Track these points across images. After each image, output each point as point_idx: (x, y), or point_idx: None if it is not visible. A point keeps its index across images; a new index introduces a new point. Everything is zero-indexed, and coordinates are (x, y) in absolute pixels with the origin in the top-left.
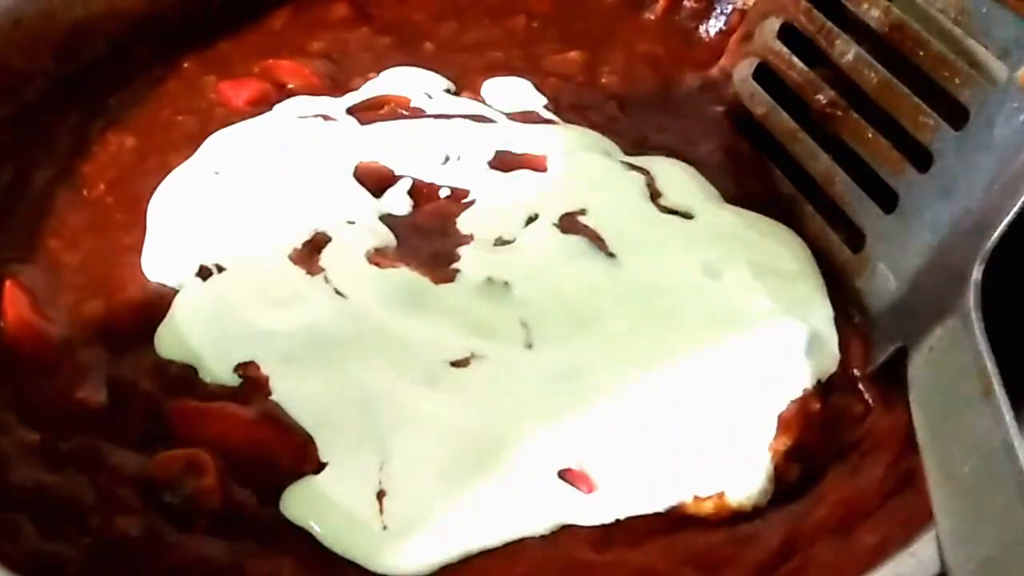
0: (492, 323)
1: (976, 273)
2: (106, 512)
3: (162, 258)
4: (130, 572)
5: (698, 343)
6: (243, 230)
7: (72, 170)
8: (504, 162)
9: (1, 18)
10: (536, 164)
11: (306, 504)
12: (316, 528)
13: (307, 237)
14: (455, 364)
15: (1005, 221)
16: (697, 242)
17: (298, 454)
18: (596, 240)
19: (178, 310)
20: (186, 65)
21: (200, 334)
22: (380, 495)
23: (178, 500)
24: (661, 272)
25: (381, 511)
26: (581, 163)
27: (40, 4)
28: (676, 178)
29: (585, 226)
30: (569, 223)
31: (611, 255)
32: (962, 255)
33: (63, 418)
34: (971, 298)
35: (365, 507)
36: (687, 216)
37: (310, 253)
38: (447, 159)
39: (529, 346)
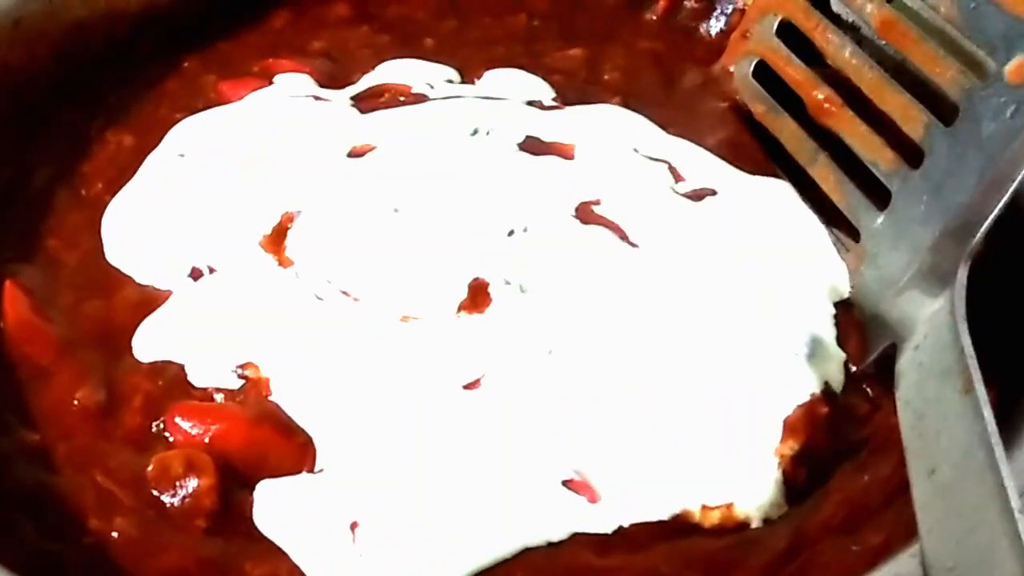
0: (513, 333)
1: (962, 271)
2: (106, 512)
3: (145, 260)
4: (130, 572)
5: (710, 344)
6: (217, 220)
7: (71, 169)
8: (533, 146)
9: (1, 18)
10: (564, 151)
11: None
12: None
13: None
14: (466, 387)
15: (990, 219)
16: (716, 229)
17: (298, 455)
18: (616, 230)
19: (169, 313)
20: (186, 64)
21: (193, 338)
22: (353, 526)
23: (177, 500)
24: (680, 264)
25: (353, 540)
26: (606, 153)
27: (40, 4)
28: (696, 157)
29: (602, 216)
30: (586, 213)
31: (634, 245)
32: (950, 252)
33: (63, 418)
34: (956, 295)
35: (340, 529)
36: (711, 193)
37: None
38: (476, 131)
39: (550, 352)
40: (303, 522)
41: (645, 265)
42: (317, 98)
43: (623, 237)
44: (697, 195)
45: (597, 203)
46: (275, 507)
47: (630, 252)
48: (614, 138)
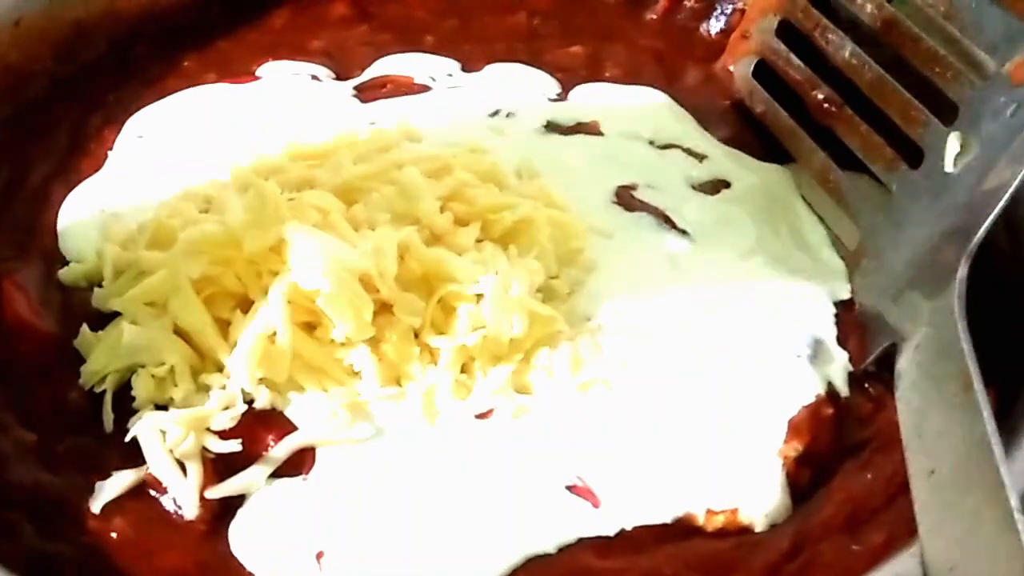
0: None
1: (961, 270)
2: (105, 512)
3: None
4: (129, 572)
5: (714, 347)
6: None
7: (70, 168)
8: (558, 128)
9: (1, 18)
10: (592, 128)
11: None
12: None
13: None
14: (479, 417)
15: (990, 219)
16: (721, 227)
17: (298, 456)
18: (661, 217)
19: None
20: (186, 64)
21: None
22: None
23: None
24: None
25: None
26: (628, 136)
27: (40, 4)
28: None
29: (643, 202)
30: (626, 199)
31: (684, 232)
32: (950, 252)
33: (60, 418)
34: (955, 295)
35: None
36: (726, 186)
37: None
38: (496, 112)
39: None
40: (272, 546)
41: (680, 257)
42: (314, 77)
43: (672, 225)
44: (714, 188)
45: (634, 188)
46: (251, 525)
47: (676, 241)
48: (630, 122)
